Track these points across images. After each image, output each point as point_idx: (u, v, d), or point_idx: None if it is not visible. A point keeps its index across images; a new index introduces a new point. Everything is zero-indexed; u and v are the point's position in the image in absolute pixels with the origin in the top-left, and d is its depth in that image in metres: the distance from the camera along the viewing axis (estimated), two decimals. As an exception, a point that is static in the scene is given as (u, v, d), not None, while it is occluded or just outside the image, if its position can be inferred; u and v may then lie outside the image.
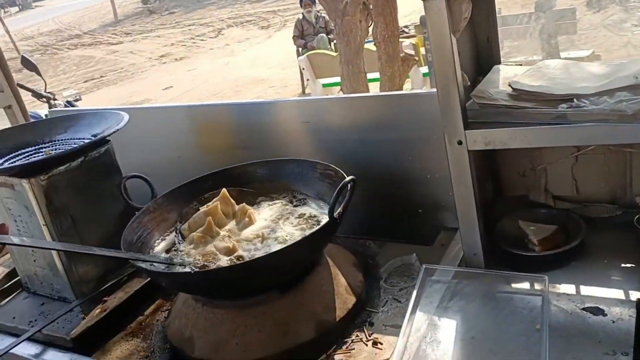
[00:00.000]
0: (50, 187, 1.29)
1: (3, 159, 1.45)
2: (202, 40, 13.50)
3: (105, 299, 1.36)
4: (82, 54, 14.72)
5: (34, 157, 1.45)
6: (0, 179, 1.32)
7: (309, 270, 1.15)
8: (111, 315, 1.30)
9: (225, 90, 8.43)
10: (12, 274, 1.56)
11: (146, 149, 1.74)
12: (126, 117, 1.45)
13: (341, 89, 5.24)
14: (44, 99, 4.82)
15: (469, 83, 1.12)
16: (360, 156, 1.41)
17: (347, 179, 1.05)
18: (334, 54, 6.29)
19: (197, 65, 10.93)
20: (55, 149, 1.48)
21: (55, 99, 4.95)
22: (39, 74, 4.52)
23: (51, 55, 15.40)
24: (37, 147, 1.52)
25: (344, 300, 1.14)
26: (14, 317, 1.36)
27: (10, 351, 1.21)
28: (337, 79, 5.35)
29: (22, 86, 3.68)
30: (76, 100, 5.53)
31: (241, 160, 1.42)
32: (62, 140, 1.53)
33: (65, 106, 4.99)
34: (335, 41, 6.44)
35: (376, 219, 1.45)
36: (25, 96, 2.49)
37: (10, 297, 1.47)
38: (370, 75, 5.01)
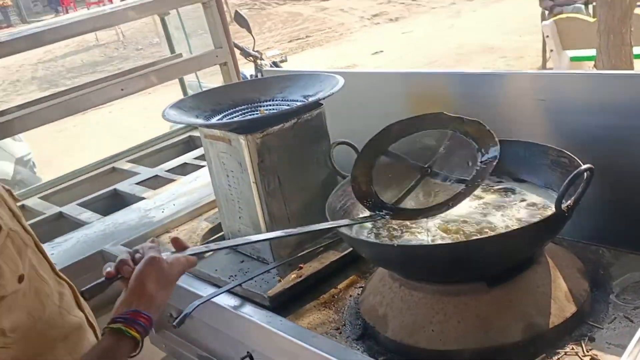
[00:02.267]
0: (264, 146, 1.56)
1: (222, 115, 1.78)
2: (424, -3, 13.75)
3: (301, 265, 1.59)
4: (289, 11, 16.05)
5: (250, 115, 1.74)
6: (219, 133, 1.63)
7: (524, 267, 1.22)
8: (305, 283, 1.53)
9: (443, 59, 8.53)
10: (216, 229, 1.91)
11: (355, 116, 1.94)
12: (341, 81, 1.67)
13: (595, 65, 4.97)
14: (251, 58, 5.46)
15: None
16: (604, 145, 1.42)
17: (583, 167, 1.10)
18: (591, 19, 5.95)
19: (414, 27, 11.19)
20: (270, 109, 1.76)
21: (262, 59, 5.58)
22: (249, 31, 5.13)
23: (258, 10, 17.06)
24: (252, 105, 1.82)
25: (562, 307, 1.19)
26: (215, 270, 1.67)
27: (212, 300, 1.51)
28: (592, 52, 5.09)
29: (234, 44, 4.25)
30: (282, 61, 6.12)
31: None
32: (276, 100, 1.81)
33: (271, 67, 5.59)
34: (594, 3, 6.09)
35: (615, 224, 1.45)
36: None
37: (213, 251, 1.80)
38: (637, 50, 4.68)
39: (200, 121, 1.66)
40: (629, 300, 1.25)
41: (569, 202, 1.13)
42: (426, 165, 1.40)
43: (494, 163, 1.26)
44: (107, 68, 13.30)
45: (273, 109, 1.76)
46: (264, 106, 1.80)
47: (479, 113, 1.66)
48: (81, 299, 1.21)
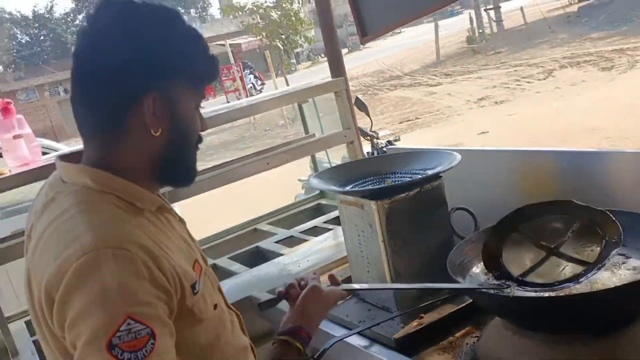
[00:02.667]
0: (391, 211, 1.72)
1: (353, 184, 1.97)
2: (528, 82, 13.66)
3: (422, 315, 1.70)
4: (400, 95, 16.47)
5: (377, 185, 1.92)
6: (353, 199, 1.82)
7: (632, 319, 1.28)
8: (426, 330, 1.64)
9: (548, 139, 8.41)
10: (345, 282, 2.06)
11: (470, 187, 2.07)
12: (458, 157, 1.82)
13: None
14: (368, 138, 5.74)
15: None
16: None
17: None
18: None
19: (519, 109, 11.13)
20: (395, 180, 1.94)
21: (378, 138, 5.84)
22: (367, 114, 5.42)
23: (372, 95, 17.64)
24: (379, 177, 2.00)
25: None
26: (347, 315, 1.82)
27: (345, 340, 1.66)
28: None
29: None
30: (396, 140, 6.34)
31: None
32: (399, 173, 1.98)
33: (386, 145, 5.83)
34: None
35: None
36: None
37: (344, 300, 1.95)
38: None
39: (338, 189, 1.85)
40: None
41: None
42: (553, 246, 1.50)
43: (617, 251, 1.35)
44: (240, 146, 14.20)
45: (398, 181, 1.93)
46: (389, 177, 1.98)
47: (585, 189, 1.75)
48: (245, 327, 1.40)
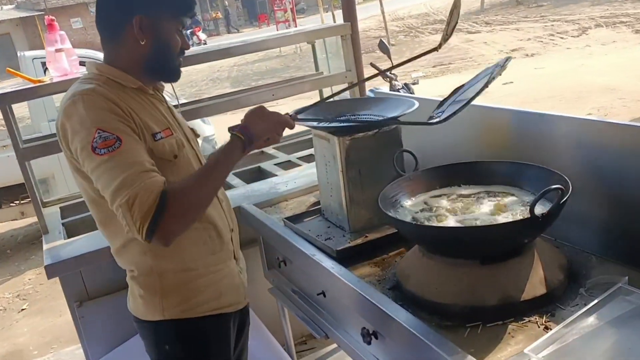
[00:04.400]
0: (350, 146, 1.88)
1: (330, 122, 2.10)
2: (561, 38, 13.12)
3: (367, 235, 1.89)
4: (438, 39, 15.99)
5: (346, 123, 2.05)
6: (323, 134, 1.97)
7: (513, 255, 1.43)
8: (366, 246, 1.83)
9: (565, 93, 8.23)
10: (318, 203, 2.25)
11: (429, 132, 2.18)
12: (416, 104, 1.93)
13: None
14: (387, 79, 5.76)
15: None
16: (605, 173, 1.57)
17: (554, 186, 1.30)
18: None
19: (547, 64, 10.78)
20: (360, 121, 2.06)
21: (396, 80, 5.86)
22: (389, 57, 5.43)
23: (413, 37, 17.22)
24: (352, 115, 2.13)
25: (534, 287, 1.39)
26: (309, 230, 2.01)
27: (303, 250, 1.86)
28: None
29: (373, 65, 4.56)
30: (413, 83, 6.33)
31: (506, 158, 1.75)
32: (368, 114, 2.10)
33: (402, 87, 5.86)
34: None
35: (607, 237, 1.59)
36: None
37: (312, 217, 2.15)
38: None
39: (314, 124, 2.00)
40: (593, 294, 1.40)
41: (544, 211, 1.33)
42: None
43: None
44: (284, 75, 14.23)
45: (364, 121, 2.05)
46: (362, 117, 2.11)
47: (531, 147, 1.81)
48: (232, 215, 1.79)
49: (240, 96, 2.84)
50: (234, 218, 1.80)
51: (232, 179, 2.81)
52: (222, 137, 6.99)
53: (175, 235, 1.34)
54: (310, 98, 4.03)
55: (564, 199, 1.34)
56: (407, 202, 1.70)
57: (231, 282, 1.70)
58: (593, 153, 1.62)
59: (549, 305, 1.39)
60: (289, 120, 1.62)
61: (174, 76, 1.58)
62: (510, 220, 1.45)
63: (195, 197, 1.37)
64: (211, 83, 15.29)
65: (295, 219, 2.11)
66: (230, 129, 1.53)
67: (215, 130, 6.27)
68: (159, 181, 1.33)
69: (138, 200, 1.27)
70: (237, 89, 2.93)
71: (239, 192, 2.58)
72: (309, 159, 2.99)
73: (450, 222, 1.54)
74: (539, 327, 1.33)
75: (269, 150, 3.25)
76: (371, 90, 3.99)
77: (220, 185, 1.50)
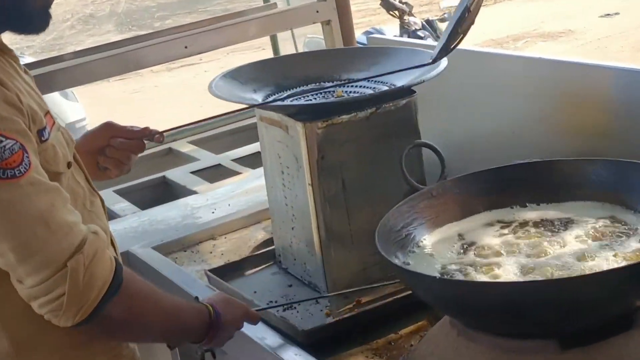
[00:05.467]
0: (327, 138, 1.79)
1: (288, 92, 2.03)
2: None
3: (360, 299, 1.83)
4: None
5: (319, 96, 1.98)
6: (276, 117, 1.88)
7: (616, 329, 1.36)
8: (357, 320, 1.76)
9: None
10: (269, 241, 2.18)
11: (467, 112, 2.13)
12: (444, 63, 1.86)
13: None
14: (396, 12, 5.71)
15: None
16: None
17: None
18: None
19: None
20: (348, 92, 2.00)
21: (410, 14, 5.79)
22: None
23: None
24: (331, 82, 2.05)
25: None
26: (254, 292, 1.94)
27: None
28: None
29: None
30: (441, 20, 6.25)
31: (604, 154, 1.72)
32: (360, 80, 2.03)
33: (421, 26, 5.82)
34: None
35: None
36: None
37: (259, 268, 2.07)
38: None
39: (250, 98, 1.91)
40: None
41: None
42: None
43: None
44: (213, 8, 14.15)
45: (352, 93, 1.99)
46: (344, 86, 2.03)
47: None
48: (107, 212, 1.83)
49: (131, 49, 2.77)
50: None
51: (115, 200, 2.73)
52: (97, 122, 6.76)
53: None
54: (258, 51, 3.92)
55: None
56: (429, 239, 1.63)
57: None
58: None
59: None
60: (256, 315, 1.77)
61: (35, 26, 1.62)
62: (614, 267, 1.39)
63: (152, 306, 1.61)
64: (81, 25, 15.14)
65: (228, 271, 2.07)
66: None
67: (85, 112, 6.19)
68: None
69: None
70: (126, 36, 2.84)
71: (128, 226, 2.52)
72: (253, 161, 2.91)
73: (508, 273, 1.48)
74: None
75: (183, 147, 3.17)
76: (366, 34, 3.91)
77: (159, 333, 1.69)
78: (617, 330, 1.37)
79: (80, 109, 6.11)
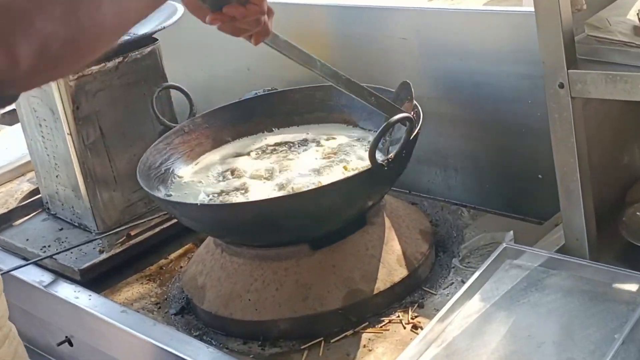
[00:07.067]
0: (80, 90, 1.88)
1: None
2: None
3: (131, 233, 1.94)
4: None
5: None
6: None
7: (354, 228, 1.59)
8: (130, 252, 1.89)
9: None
10: (37, 191, 2.23)
11: (206, 54, 2.26)
12: (180, 10, 1.98)
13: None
14: None
15: (585, 6, 1.43)
16: (468, 92, 1.79)
17: (394, 118, 1.45)
18: None
19: None
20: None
21: None
22: None
23: None
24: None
25: (391, 271, 1.57)
26: (27, 239, 2.00)
27: (15, 274, 1.85)
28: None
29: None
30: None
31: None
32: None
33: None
34: None
35: (480, 182, 1.82)
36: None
37: (28, 216, 2.13)
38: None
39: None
40: (472, 265, 1.62)
41: (390, 155, 1.49)
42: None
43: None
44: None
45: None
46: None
47: (353, 55, 1.99)
48: None
49: None
50: None
51: None
52: None
53: None
54: None
55: (415, 132, 1.51)
56: (187, 171, 1.79)
57: None
58: (452, 61, 1.83)
59: (414, 293, 1.59)
60: None
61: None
62: (341, 178, 1.59)
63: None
64: None
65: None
66: None
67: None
68: None
69: None
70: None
71: None
72: (11, 117, 2.89)
73: (261, 191, 1.65)
74: (404, 327, 1.51)
75: None
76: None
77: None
78: (355, 228, 1.59)
79: None
